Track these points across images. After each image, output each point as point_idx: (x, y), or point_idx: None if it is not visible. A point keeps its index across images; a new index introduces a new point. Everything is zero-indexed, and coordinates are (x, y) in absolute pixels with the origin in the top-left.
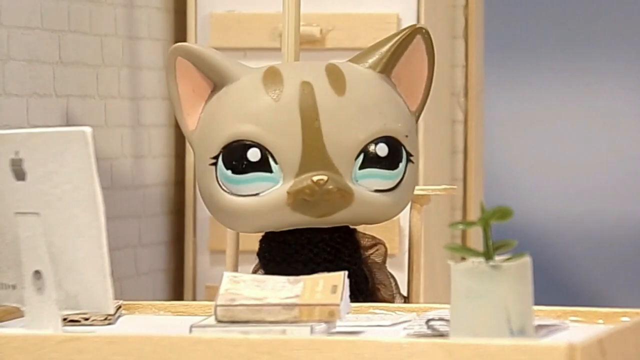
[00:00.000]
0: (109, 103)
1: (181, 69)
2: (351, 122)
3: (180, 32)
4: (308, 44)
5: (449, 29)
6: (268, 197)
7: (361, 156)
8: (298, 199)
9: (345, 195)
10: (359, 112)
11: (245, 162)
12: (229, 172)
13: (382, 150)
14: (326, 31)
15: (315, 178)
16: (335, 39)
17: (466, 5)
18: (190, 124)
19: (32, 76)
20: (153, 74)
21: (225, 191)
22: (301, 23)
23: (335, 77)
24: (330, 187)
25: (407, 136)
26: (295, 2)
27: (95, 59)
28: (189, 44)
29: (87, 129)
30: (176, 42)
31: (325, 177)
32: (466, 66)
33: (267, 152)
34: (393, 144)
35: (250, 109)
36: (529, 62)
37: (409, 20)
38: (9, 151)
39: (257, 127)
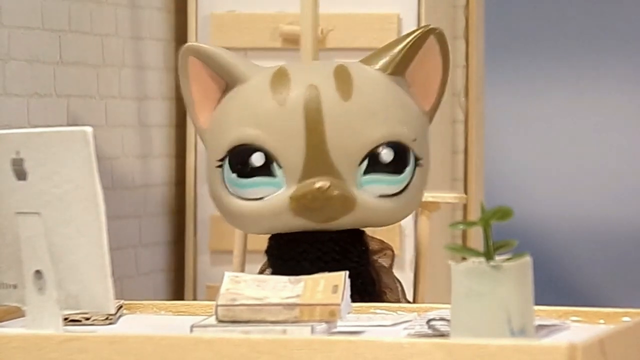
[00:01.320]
0: (110, 103)
1: (193, 69)
2: (356, 128)
3: (181, 32)
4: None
5: (450, 29)
6: (271, 201)
7: (365, 162)
8: (300, 205)
9: (347, 202)
10: (364, 117)
11: (249, 166)
12: (234, 175)
13: (387, 155)
14: (327, 31)
15: (317, 185)
16: (335, 39)
17: (467, 6)
18: (202, 122)
19: (33, 76)
20: (154, 74)
21: (231, 193)
22: None
23: (343, 81)
24: (333, 193)
25: (414, 140)
26: (312, 3)
27: (96, 59)
28: (200, 44)
29: (88, 129)
30: (177, 42)
31: (327, 184)
32: (467, 66)
33: (270, 157)
34: (399, 148)
35: (256, 112)
36: (529, 62)
37: (409, 21)
38: (10, 151)
39: (261, 131)
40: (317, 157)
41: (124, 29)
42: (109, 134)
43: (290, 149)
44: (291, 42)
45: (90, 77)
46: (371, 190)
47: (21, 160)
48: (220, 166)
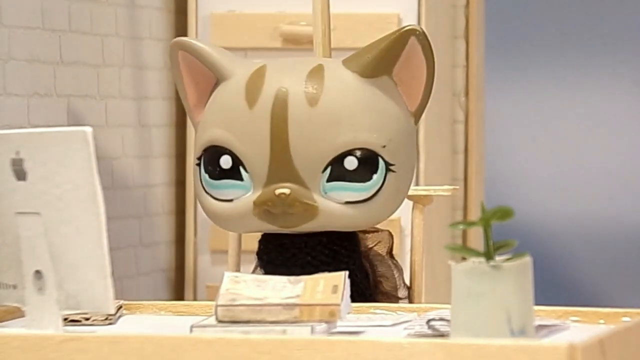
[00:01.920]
0: (110, 103)
1: (184, 63)
2: (319, 135)
3: (181, 32)
4: (309, 43)
5: (450, 29)
6: (239, 203)
7: (329, 169)
8: (262, 210)
9: (308, 209)
10: (329, 124)
11: (218, 168)
12: (207, 176)
13: (350, 163)
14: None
15: (277, 192)
16: (336, 39)
17: (467, 5)
18: (197, 116)
19: (32, 76)
20: (154, 74)
21: (207, 193)
22: (302, 23)
23: (313, 85)
24: (293, 201)
25: (384, 146)
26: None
27: (96, 59)
28: (188, 38)
29: (88, 129)
30: None
31: (287, 191)
32: (467, 66)
33: (238, 160)
34: (365, 155)
35: (227, 114)
36: (529, 62)
37: (409, 20)
38: (10, 151)
39: (230, 134)
40: (281, 163)
41: (124, 29)
42: (109, 134)
43: (256, 154)
44: (291, 42)
45: (90, 77)
46: (336, 197)
47: (21, 160)
48: (198, 164)
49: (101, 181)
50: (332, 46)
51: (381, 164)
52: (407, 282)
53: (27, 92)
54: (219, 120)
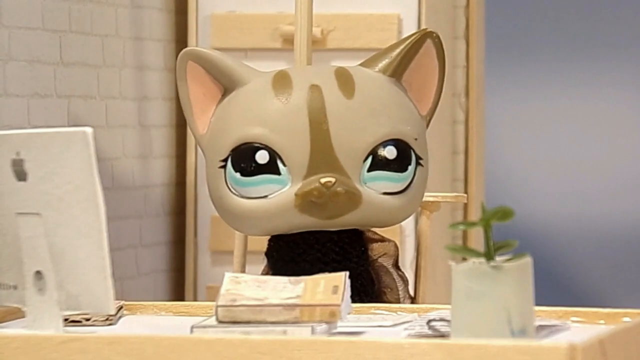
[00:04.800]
0: (110, 103)
1: (192, 73)
2: (359, 125)
3: (181, 32)
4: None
5: (450, 29)
6: (276, 199)
7: (369, 159)
8: (306, 201)
9: (353, 197)
10: (368, 114)
11: (253, 165)
12: (238, 174)
13: (390, 152)
14: (327, 32)
15: (323, 180)
16: (336, 40)
17: (467, 6)
18: (200, 127)
19: (33, 76)
20: (154, 74)
21: (234, 194)
22: None
23: (344, 81)
24: (338, 189)
25: (416, 139)
26: (307, 5)
27: (97, 59)
28: (199, 48)
29: (88, 130)
30: (177, 42)
31: (332, 179)
32: (467, 67)
33: (275, 155)
34: (402, 146)
35: (259, 111)
36: (530, 62)
37: (409, 21)
38: (10, 152)
39: (266, 129)
40: (322, 154)
41: (125, 30)
42: (110, 135)
43: (295, 146)
44: (291, 42)
45: (91, 78)
46: (375, 187)
47: (21, 160)
48: (223, 167)
49: (101, 182)
50: (332, 47)
51: (413, 156)
52: (412, 289)
53: (28, 92)
54: (250, 119)
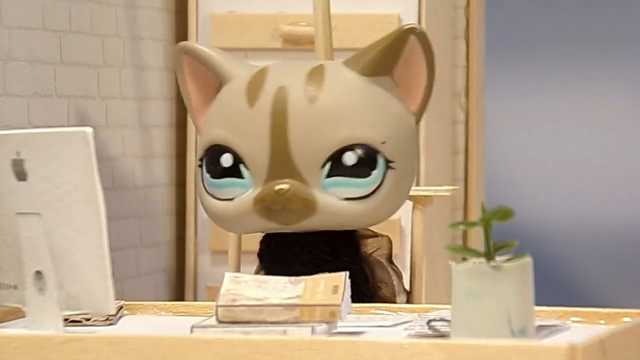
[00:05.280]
0: (110, 103)
1: (188, 67)
2: (318, 130)
3: (181, 32)
4: (310, 44)
5: (450, 29)
6: (239, 202)
7: (328, 164)
8: (262, 207)
9: (307, 205)
10: (327, 120)
11: (219, 167)
12: (209, 175)
13: (349, 158)
14: None
15: (276, 187)
16: (336, 40)
17: (467, 6)
18: (200, 120)
19: (33, 76)
20: (154, 74)
21: (208, 193)
22: (302, 23)
23: (313, 83)
24: (292, 196)
25: (383, 142)
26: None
27: (97, 59)
28: (192, 43)
29: (88, 130)
30: (177, 42)
31: (286, 186)
32: (467, 67)
33: (239, 158)
34: (364, 151)
35: (227, 113)
36: (529, 62)
37: (409, 21)
38: (10, 151)
39: (230, 132)
40: (281, 160)
41: (125, 30)
42: (110, 135)
43: (256, 151)
44: (291, 42)
45: (91, 78)
46: (336, 193)
47: (21, 160)
48: (200, 166)
49: (102, 182)
50: (333, 47)
51: (380, 160)
52: (407, 284)
53: (28, 92)
54: (220, 120)
